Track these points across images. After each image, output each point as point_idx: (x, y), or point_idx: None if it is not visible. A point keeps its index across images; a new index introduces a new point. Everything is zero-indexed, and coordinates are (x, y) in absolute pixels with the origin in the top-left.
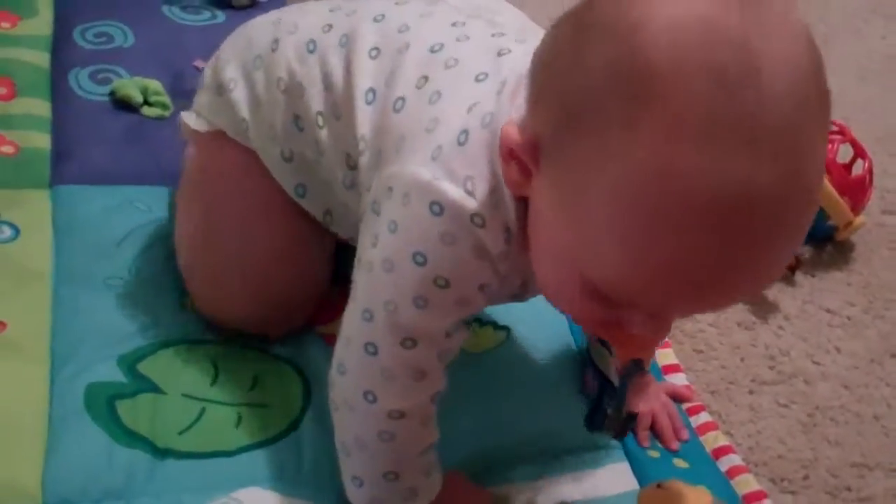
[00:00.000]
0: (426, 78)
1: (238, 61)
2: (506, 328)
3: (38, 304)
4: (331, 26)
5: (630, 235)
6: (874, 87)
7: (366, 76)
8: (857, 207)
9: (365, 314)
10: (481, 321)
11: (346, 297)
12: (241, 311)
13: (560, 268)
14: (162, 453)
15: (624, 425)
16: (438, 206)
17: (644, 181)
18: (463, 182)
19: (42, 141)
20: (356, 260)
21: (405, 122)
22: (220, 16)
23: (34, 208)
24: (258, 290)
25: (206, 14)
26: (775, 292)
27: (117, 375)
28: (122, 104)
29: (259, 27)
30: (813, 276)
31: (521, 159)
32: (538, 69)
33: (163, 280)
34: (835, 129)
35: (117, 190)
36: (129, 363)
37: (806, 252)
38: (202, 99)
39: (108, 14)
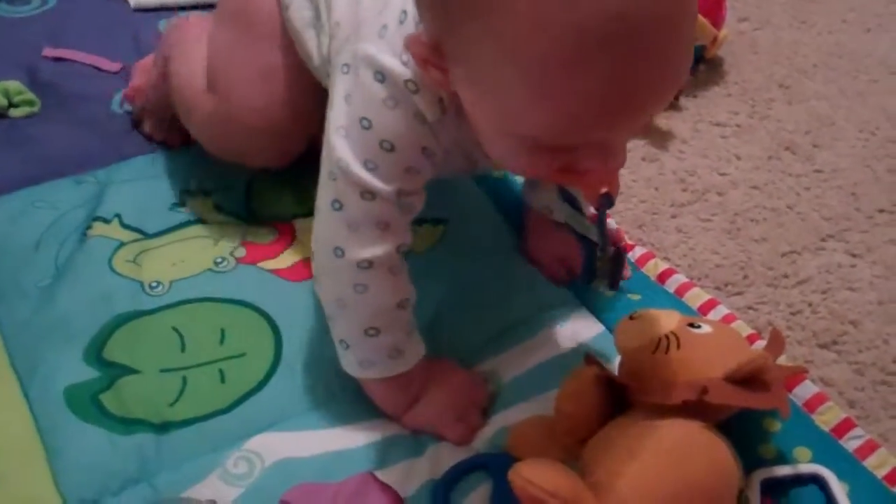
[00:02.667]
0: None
1: None
2: (442, 220)
3: None
4: None
5: (540, 84)
6: None
7: None
8: (717, 23)
9: (331, 174)
10: (418, 221)
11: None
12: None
13: (501, 139)
14: (162, 428)
15: (615, 266)
16: (381, 75)
17: (532, 29)
18: (400, 55)
19: None
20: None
21: (366, 9)
22: (50, 0)
23: None
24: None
25: (36, 2)
26: (667, 121)
27: (88, 371)
28: None
29: None
30: (695, 96)
31: (434, 63)
32: None
33: (89, 265)
34: None
35: (13, 197)
36: (94, 353)
37: None
38: None
39: None
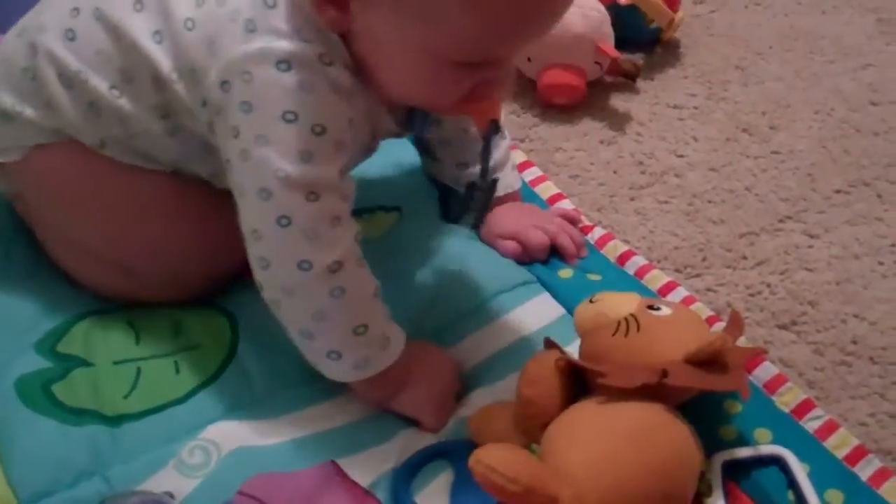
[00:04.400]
0: None
1: (9, 85)
2: (395, 208)
3: None
4: (77, 9)
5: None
6: None
7: (141, 28)
8: (674, 5)
9: (262, 194)
10: (369, 209)
11: None
12: (171, 290)
13: (423, 65)
14: (115, 420)
15: (486, 199)
16: (285, 63)
17: None
18: (295, 34)
19: None
20: (225, 165)
21: (206, 29)
22: None
23: None
24: (169, 271)
25: None
26: (625, 103)
27: (41, 362)
28: None
29: (8, 45)
30: (652, 79)
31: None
32: None
33: (38, 258)
34: None
35: None
36: (48, 347)
37: (640, 59)
38: None
39: None
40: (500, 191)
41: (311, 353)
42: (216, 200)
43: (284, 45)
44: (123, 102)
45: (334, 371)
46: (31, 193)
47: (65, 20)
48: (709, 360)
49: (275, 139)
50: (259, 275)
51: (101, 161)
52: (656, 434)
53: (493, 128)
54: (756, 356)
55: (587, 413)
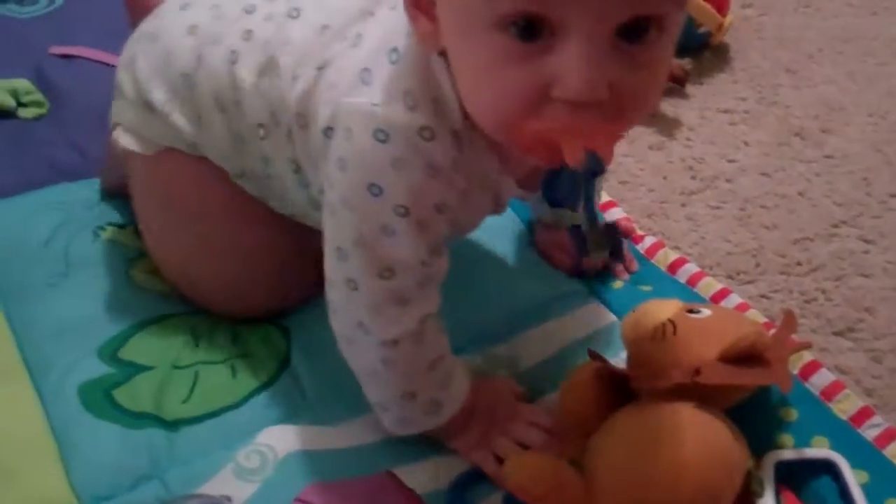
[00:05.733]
0: (344, 37)
1: (163, 80)
2: None
3: None
4: (251, 32)
5: None
6: None
7: (286, 65)
8: (722, 9)
9: (339, 253)
10: None
11: None
12: (245, 305)
13: (476, 45)
14: (174, 425)
15: (611, 237)
16: (383, 133)
17: None
18: (403, 98)
19: None
20: (324, 206)
21: (334, 71)
22: (58, 0)
23: None
24: (250, 289)
25: (44, 1)
26: (674, 108)
27: (103, 368)
28: None
29: (175, 38)
30: (701, 83)
31: (423, 5)
32: None
33: (102, 264)
34: None
35: (24, 198)
36: (110, 353)
37: (688, 63)
38: (130, 114)
39: None
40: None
41: (367, 396)
42: (298, 237)
43: (388, 111)
44: (266, 145)
45: (381, 419)
46: (140, 187)
47: (235, 40)
48: (745, 357)
49: (358, 207)
50: (329, 314)
51: (218, 181)
52: (685, 432)
53: (594, 162)
54: (800, 349)
55: (621, 418)
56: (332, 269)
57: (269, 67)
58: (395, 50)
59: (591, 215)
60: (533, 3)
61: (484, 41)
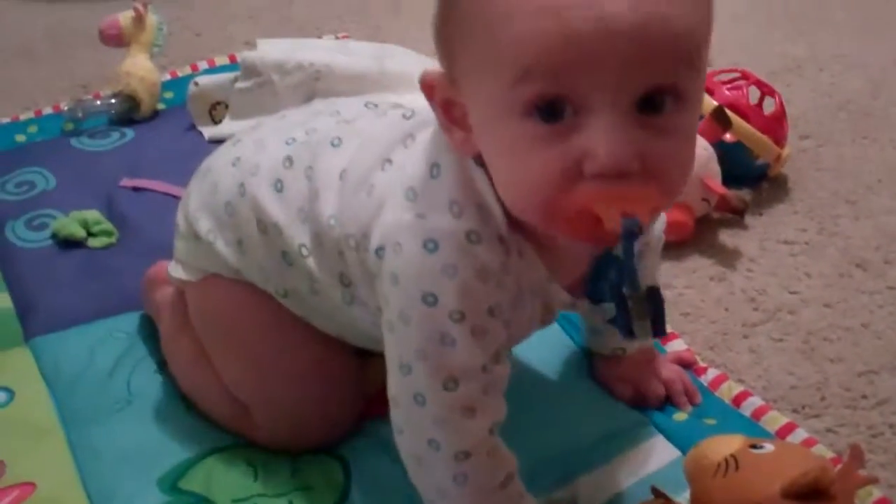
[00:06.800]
0: (389, 160)
1: (208, 211)
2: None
3: (59, 456)
4: (291, 160)
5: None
6: (749, 27)
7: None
8: (780, 141)
9: (403, 369)
10: None
11: None
12: (299, 434)
13: (501, 128)
14: None
15: (654, 307)
16: (433, 243)
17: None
18: (448, 207)
19: (2, 300)
20: (383, 326)
21: (381, 192)
22: (129, 133)
23: (19, 367)
24: (301, 414)
25: (115, 135)
26: (734, 239)
27: (163, 498)
28: (68, 243)
29: (221, 170)
30: (761, 214)
31: (453, 107)
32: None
33: (164, 393)
34: (737, 74)
35: (92, 327)
36: (170, 484)
37: (747, 195)
38: (182, 247)
39: (23, 163)
40: (637, 347)
41: None
42: (347, 360)
43: (435, 221)
44: (310, 262)
45: None
46: (194, 316)
47: (278, 169)
48: (810, 493)
49: (416, 319)
50: (396, 438)
51: (263, 304)
52: None
53: (632, 225)
54: (866, 483)
55: None
56: (397, 386)
57: (311, 196)
58: (436, 165)
59: (632, 273)
60: (552, 85)
61: (512, 129)
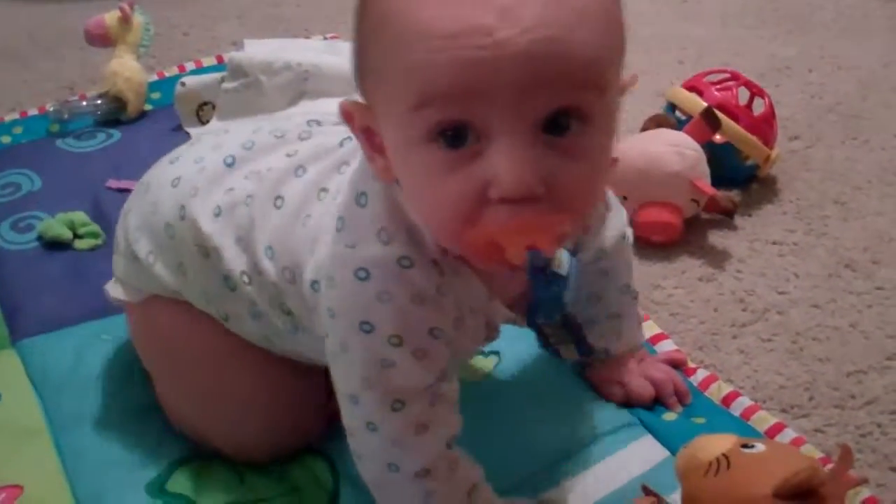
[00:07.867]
0: (325, 189)
1: (148, 231)
2: (494, 352)
3: (45, 459)
4: (233, 189)
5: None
6: (739, 28)
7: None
8: (769, 142)
9: (352, 400)
10: None
11: None
12: (246, 450)
13: (408, 154)
14: None
15: (572, 333)
16: (364, 271)
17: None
18: (377, 235)
19: None
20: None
21: (315, 225)
22: (115, 134)
23: (5, 369)
24: (259, 431)
25: (101, 136)
26: (723, 240)
27: (150, 502)
28: (54, 244)
29: (160, 189)
30: (749, 215)
31: (374, 135)
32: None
33: (151, 398)
34: (727, 75)
35: (79, 329)
36: (157, 486)
37: (736, 195)
38: (121, 266)
39: (8, 164)
40: (623, 348)
41: None
42: (300, 372)
43: (364, 250)
44: (251, 290)
45: None
46: (135, 335)
47: (217, 194)
48: (800, 492)
49: (355, 348)
50: (356, 464)
51: (206, 328)
52: None
53: (538, 258)
54: (857, 484)
55: None
56: (349, 416)
57: (248, 225)
58: (363, 194)
59: (548, 309)
60: (452, 111)
61: (419, 156)
